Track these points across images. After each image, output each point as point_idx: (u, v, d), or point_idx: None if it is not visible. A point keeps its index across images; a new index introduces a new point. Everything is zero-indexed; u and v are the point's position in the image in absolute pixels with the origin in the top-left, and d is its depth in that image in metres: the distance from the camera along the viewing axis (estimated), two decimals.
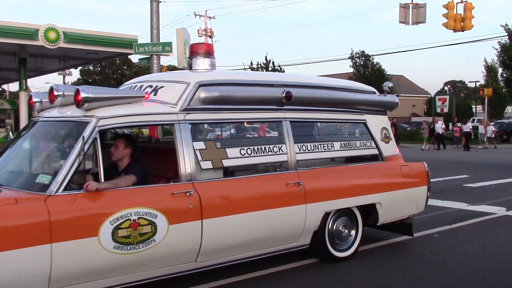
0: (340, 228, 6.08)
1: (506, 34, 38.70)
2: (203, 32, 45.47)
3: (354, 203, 6.10)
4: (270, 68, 45.98)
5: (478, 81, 53.54)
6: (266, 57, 46.65)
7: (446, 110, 43.43)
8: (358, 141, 6.45)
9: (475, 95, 56.12)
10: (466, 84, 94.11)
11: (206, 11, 46.03)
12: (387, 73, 44.23)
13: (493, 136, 32.74)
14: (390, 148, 6.73)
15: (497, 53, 40.42)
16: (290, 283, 5.41)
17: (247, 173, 5.51)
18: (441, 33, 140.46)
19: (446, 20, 18.52)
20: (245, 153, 5.34)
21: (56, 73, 42.59)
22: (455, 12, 18.49)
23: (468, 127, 30.60)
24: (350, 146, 6.33)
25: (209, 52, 5.64)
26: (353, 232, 6.24)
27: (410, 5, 18.81)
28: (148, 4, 18.81)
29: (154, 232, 4.50)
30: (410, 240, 7.17)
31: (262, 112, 5.66)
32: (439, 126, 31.30)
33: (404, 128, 42.10)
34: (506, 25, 38.95)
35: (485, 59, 54.31)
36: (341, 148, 6.23)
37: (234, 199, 5.10)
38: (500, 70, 43.10)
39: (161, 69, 23.06)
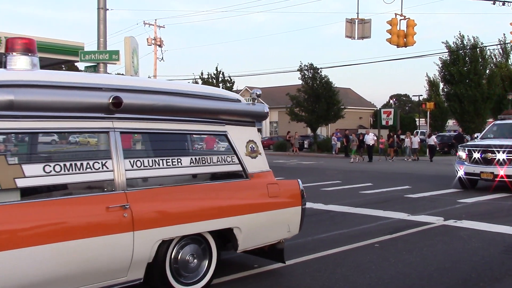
0: (187, 258, 5.21)
1: (446, 50, 40.42)
2: (153, 41, 45.17)
3: (205, 228, 5.25)
4: (220, 79, 46.03)
5: (421, 95, 55.58)
6: (216, 67, 46.55)
7: (391, 122, 44.79)
8: (215, 156, 5.60)
9: (419, 108, 58.08)
10: (410, 98, 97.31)
11: (155, 20, 45.68)
12: (335, 86, 45.05)
13: (418, 148, 33.11)
14: (258, 164, 5.93)
15: (439, 69, 42.07)
16: None
17: (54, 195, 4.51)
18: (387, 48, 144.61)
19: (390, 36, 19.18)
20: (51, 171, 4.37)
21: None
22: (398, 28, 19.18)
23: (432, 140, 31.46)
24: (204, 162, 5.44)
25: (28, 49, 4.66)
26: (205, 262, 5.40)
27: (356, 20, 19.38)
28: (95, 11, 18.43)
29: None
30: (352, 250, 7.35)
31: (82, 121, 4.68)
32: (370, 138, 31.19)
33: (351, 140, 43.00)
34: (447, 42, 40.75)
35: (427, 74, 56.56)
36: (192, 164, 5.35)
37: (29, 227, 4.14)
38: (441, 85, 44.80)
39: None
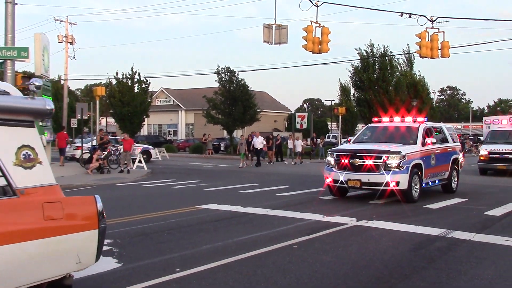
0: None
1: (358, 58, 42.27)
2: (64, 38, 43.36)
3: None
4: (136, 79, 45.07)
5: (333, 100, 57.67)
6: (132, 68, 45.46)
7: (305, 126, 46.14)
8: None
9: (331, 112, 60.21)
10: (323, 102, 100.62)
11: (67, 16, 43.84)
12: (251, 89, 45.63)
13: (301, 151, 32.54)
14: (35, 177, 4.60)
15: (350, 75, 43.90)
16: None
17: None
18: (303, 54, 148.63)
19: (305, 42, 19.73)
20: None
21: None
22: (313, 35, 19.78)
23: None
24: None
25: None
26: None
27: (273, 26, 19.75)
28: (2, 5, 17.48)
29: None
30: (272, 251, 7.51)
31: None
32: (259, 141, 29.41)
33: None
34: (360, 49, 42.65)
35: (339, 79, 58.84)
36: None
37: None
38: (352, 91, 46.76)
39: (16, 75, 21.57)
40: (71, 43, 43.77)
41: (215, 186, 17.03)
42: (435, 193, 14.71)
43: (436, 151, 14.39)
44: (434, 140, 14.24)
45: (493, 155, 22.70)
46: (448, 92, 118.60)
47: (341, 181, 13.17)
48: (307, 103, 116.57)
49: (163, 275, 6.13)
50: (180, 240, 8.29)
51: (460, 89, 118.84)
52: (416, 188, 13.18)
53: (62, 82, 48.27)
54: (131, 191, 16.12)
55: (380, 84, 41.40)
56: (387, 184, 12.64)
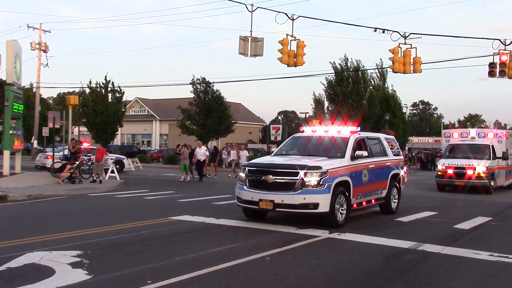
0: None
1: (332, 71, 42.73)
2: (37, 46, 42.84)
3: None
4: (109, 88, 44.63)
5: (307, 112, 58.09)
6: (105, 77, 44.86)
7: (279, 138, 46.26)
8: None
9: (305, 125, 60.72)
10: (297, 115, 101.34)
11: (41, 24, 43.32)
12: (227, 100, 45.68)
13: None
14: None
15: (324, 88, 44.30)
16: None
17: None
18: (278, 66, 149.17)
19: (281, 55, 19.89)
20: None
21: None
22: (289, 48, 19.96)
23: None
24: None
25: None
26: None
27: (249, 38, 19.86)
28: None
29: None
30: (245, 263, 7.51)
31: None
32: (202, 152, 26.12)
33: None
34: (334, 62, 43.14)
35: (314, 92, 59.28)
36: None
37: None
38: (326, 104, 47.17)
39: None
40: (44, 51, 43.30)
41: (188, 197, 16.95)
42: (406, 206, 14.89)
43: (370, 166, 12.42)
44: (365, 153, 12.13)
45: (451, 170, 21.63)
46: (420, 106, 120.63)
47: (252, 201, 11.09)
48: (282, 115, 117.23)
49: (134, 287, 6.07)
50: (152, 252, 8.22)
51: (432, 104, 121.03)
52: (342, 210, 11.13)
53: (34, 90, 47.57)
54: (102, 201, 15.92)
55: (354, 98, 41.89)
56: (304, 205, 10.59)
